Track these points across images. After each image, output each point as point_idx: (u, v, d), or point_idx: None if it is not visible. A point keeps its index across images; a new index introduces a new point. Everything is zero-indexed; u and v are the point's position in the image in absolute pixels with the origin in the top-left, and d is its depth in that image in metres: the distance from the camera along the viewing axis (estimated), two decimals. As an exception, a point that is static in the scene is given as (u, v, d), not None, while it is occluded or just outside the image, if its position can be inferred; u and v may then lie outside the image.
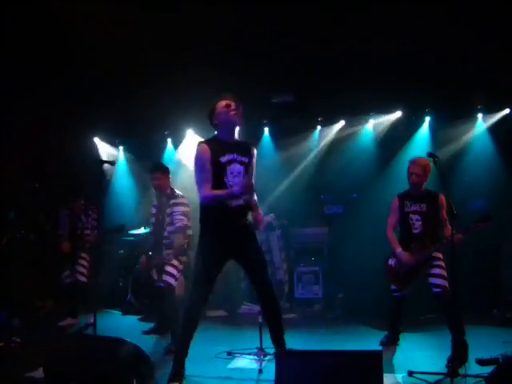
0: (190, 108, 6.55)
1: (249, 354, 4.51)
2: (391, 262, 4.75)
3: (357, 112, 7.20)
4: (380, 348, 4.65)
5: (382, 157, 7.08)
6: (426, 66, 6.20)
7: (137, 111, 7.18)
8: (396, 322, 4.89)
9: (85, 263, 6.09)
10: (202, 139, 4.21)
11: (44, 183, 7.24)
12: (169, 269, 5.04)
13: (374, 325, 5.58)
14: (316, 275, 6.78)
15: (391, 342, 4.86)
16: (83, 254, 6.09)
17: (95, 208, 6.19)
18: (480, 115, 6.91)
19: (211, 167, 3.77)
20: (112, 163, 4.73)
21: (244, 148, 3.95)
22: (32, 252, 6.79)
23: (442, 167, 4.05)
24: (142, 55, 6.25)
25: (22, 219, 6.79)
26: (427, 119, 7.09)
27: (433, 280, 4.44)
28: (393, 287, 4.76)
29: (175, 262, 5.08)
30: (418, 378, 3.82)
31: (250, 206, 3.93)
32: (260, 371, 4.10)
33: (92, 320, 4.24)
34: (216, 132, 3.97)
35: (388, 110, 7.12)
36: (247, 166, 3.90)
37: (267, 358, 4.28)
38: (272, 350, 4.15)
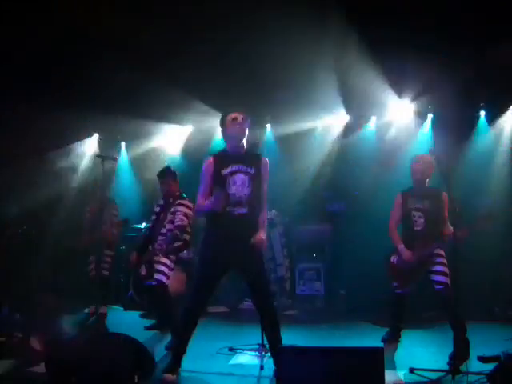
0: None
1: (250, 350, 4.53)
2: (393, 259, 4.74)
3: (359, 110, 7.19)
4: (381, 345, 4.65)
5: (384, 154, 7.05)
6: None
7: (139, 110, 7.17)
8: (398, 319, 4.89)
9: (108, 259, 6.21)
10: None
11: (44, 182, 7.25)
12: (159, 267, 4.95)
13: (375, 321, 5.59)
14: (318, 272, 6.79)
15: (393, 339, 4.85)
16: (107, 251, 6.18)
17: (112, 204, 6.32)
18: (483, 113, 6.91)
19: (214, 179, 3.85)
20: (114, 159, 4.73)
21: (251, 159, 3.97)
22: (33, 247, 6.81)
23: (445, 164, 4.03)
24: (143, 54, 6.20)
25: (23, 215, 6.79)
26: (430, 116, 7.09)
27: (435, 277, 4.43)
28: (394, 284, 4.75)
29: (165, 260, 4.97)
30: (419, 375, 3.82)
31: (254, 217, 3.88)
32: (261, 367, 4.10)
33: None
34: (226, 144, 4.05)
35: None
36: (253, 177, 3.90)
37: (269, 354, 4.27)
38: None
